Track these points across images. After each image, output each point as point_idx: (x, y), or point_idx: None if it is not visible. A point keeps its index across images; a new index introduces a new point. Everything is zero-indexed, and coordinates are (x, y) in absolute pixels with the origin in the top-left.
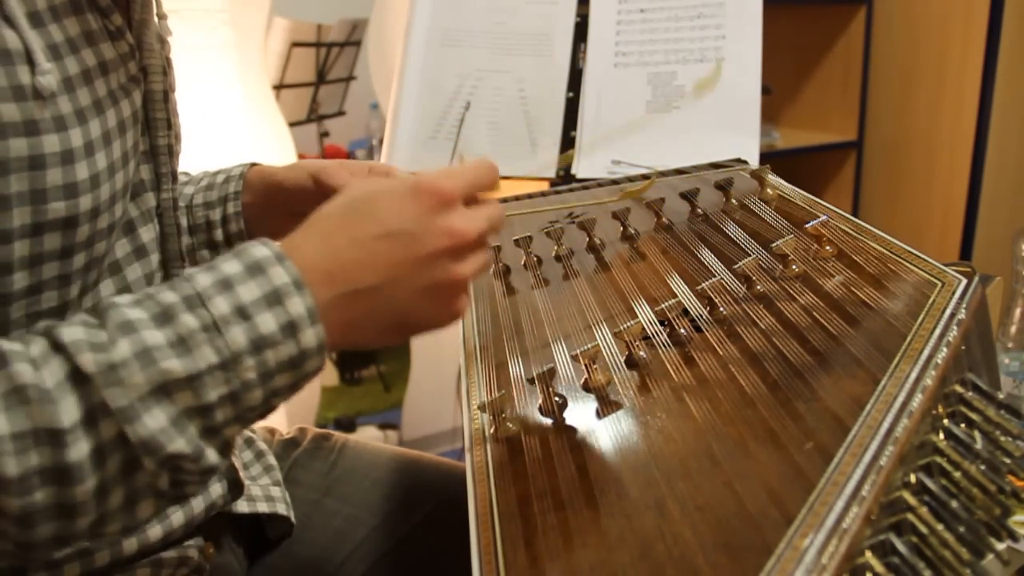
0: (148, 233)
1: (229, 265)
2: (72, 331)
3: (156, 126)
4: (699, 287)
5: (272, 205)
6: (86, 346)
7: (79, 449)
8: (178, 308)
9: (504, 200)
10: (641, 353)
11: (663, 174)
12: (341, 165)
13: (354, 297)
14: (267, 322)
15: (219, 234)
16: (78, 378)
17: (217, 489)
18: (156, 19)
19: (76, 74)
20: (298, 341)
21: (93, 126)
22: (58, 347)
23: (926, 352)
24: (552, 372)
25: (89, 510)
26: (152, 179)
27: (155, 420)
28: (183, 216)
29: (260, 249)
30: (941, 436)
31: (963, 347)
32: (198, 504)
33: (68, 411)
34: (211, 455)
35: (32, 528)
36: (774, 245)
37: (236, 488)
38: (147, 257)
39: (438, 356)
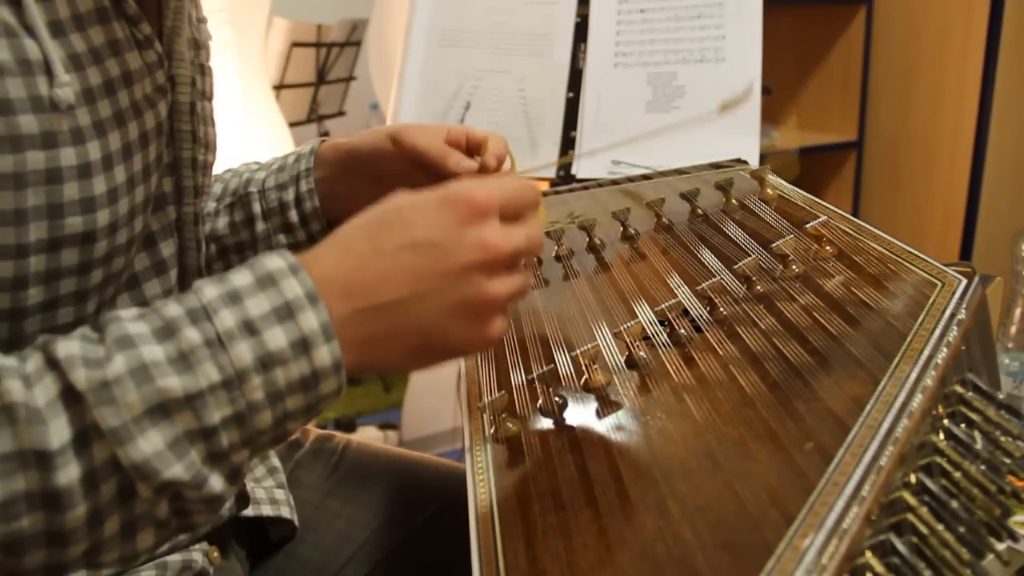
0: (168, 248)
1: (239, 276)
2: (68, 346)
3: (180, 138)
4: (699, 287)
5: (349, 174)
6: (80, 362)
7: (68, 473)
8: (181, 322)
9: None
10: (641, 353)
11: (663, 174)
12: (419, 126)
13: (375, 312)
14: (276, 338)
15: (293, 215)
16: (70, 396)
17: None
18: (196, 22)
19: (98, 85)
20: (311, 359)
21: (112, 138)
22: (52, 363)
23: (926, 352)
24: (552, 372)
25: (80, 538)
26: (173, 192)
27: (150, 443)
28: (256, 202)
29: (274, 260)
30: (941, 436)
31: (963, 347)
32: None
33: (58, 432)
34: (215, 482)
35: (20, 556)
36: (774, 245)
37: (243, 500)
38: (167, 273)
39: None
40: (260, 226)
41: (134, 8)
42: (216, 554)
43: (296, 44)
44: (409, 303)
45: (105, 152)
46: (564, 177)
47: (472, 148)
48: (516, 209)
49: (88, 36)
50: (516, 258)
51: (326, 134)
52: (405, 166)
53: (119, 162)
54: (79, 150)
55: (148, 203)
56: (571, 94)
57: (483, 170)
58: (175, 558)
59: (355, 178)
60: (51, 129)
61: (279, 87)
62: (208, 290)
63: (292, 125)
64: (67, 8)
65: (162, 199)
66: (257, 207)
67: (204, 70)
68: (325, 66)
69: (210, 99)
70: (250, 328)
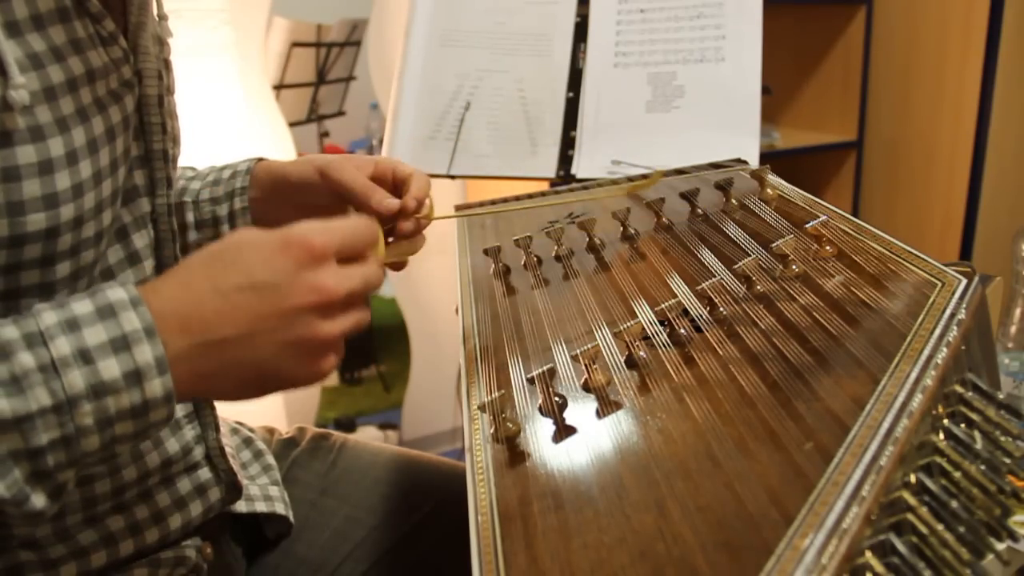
0: (142, 239)
1: (80, 305)
2: None
3: (151, 131)
4: (699, 287)
5: (279, 199)
6: None
7: None
8: (16, 345)
9: (504, 200)
10: (641, 353)
11: (663, 174)
12: (347, 159)
13: (210, 348)
14: (110, 368)
15: (226, 229)
16: None
17: (216, 492)
18: (157, 19)
19: (60, 83)
20: (143, 390)
21: (76, 134)
22: None
23: (926, 352)
24: (552, 372)
25: None
26: (146, 184)
27: None
28: (189, 212)
29: (116, 291)
30: (941, 436)
31: (963, 347)
32: (196, 507)
33: None
34: (37, 500)
35: None
36: (774, 245)
37: (234, 491)
38: (140, 264)
39: (438, 356)
40: (192, 235)
41: (97, 6)
42: (209, 550)
43: (296, 44)
44: (245, 340)
45: (69, 148)
46: (564, 177)
47: (398, 183)
48: (354, 250)
49: (48, 35)
50: (351, 299)
51: (326, 134)
52: (331, 199)
53: (84, 157)
54: (39, 147)
55: (117, 196)
56: (571, 94)
57: (402, 211)
58: (167, 554)
59: (284, 204)
60: (5, 128)
61: (279, 87)
62: (47, 315)
63: (292, 125)
64: (25, 9)
65: (133, 191)
66: (191, 216)
67: (167, 65)
68: (325, 66)
69: (173, 93)
70: (85, 357)
